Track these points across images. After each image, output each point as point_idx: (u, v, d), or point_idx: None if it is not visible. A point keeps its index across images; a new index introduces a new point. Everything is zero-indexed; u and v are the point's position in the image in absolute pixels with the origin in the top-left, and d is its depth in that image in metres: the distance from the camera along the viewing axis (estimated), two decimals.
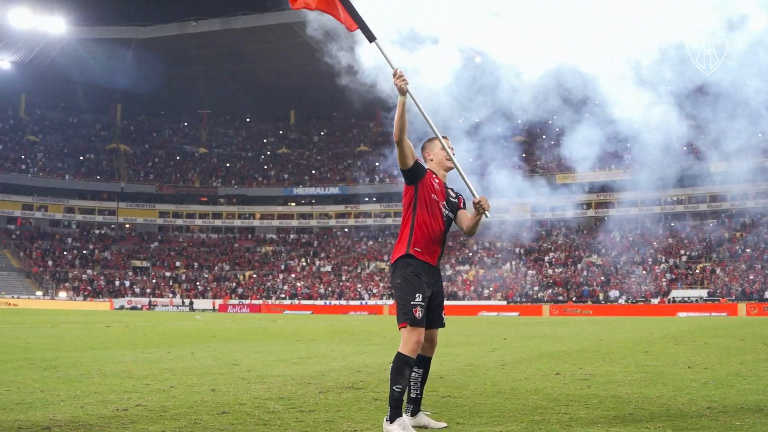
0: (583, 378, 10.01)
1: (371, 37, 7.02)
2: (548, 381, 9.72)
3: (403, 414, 6.30)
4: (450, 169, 6.74)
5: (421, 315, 6.21)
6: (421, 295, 6.25)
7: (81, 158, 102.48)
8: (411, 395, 6.51)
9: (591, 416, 6.85)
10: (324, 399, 7.97)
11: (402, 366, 6.10)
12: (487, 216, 6.59)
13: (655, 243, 76.80)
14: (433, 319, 6.45)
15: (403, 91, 6.33)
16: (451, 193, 6.74)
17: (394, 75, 6.39)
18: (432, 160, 6.76)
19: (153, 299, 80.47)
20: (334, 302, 76.56)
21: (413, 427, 6.28)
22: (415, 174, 6.46)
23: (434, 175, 6.63)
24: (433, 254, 6.45)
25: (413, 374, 6.45)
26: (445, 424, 6.42)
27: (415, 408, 6.47)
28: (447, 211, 6.60)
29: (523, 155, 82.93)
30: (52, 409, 7.22)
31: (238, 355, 14.25)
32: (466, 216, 6.79)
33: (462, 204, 6.82)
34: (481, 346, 17.29)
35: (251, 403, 7.64)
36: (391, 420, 5.99)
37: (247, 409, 7.29)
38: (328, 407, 7.41)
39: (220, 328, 28.38)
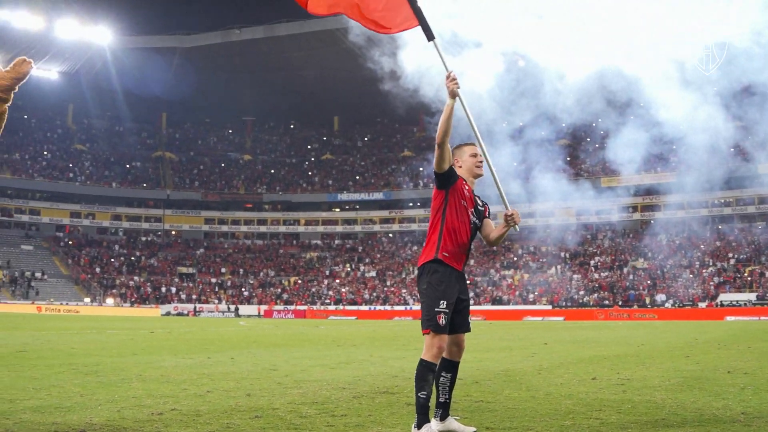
0: (620, 383, 9.92)
1: (430, 36, 6.89)
2: (584, 386, 9.65)
3: (432, 419, 6.30)
4: (479, 176, 6.71)
5: (444, 322, 6.18)
6: (445, 302, 6.22)
7: (127, 166, 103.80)
8: (440, 400, 6.47)
9: (622, 421, 6.79)
10: (357, 404, 7.97)
11: (425, 372, 6.10)
12: (516, 230, 6.52)
13: (702, 246, 75.89)
14: (459, 324, 6.41)
15: (454, 94, 6.30)
16: (479, 201, 6.72)
17: (448, 77, 6.35)
18: (461, 167, 6.71)
19: (199, 305, 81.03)
20: (379, 307, 76.55)
21: (443, 431, 6.27)
22: (448, 179, 6.42)
23: (464, 182, 6.54)
24: (459, 260, 6.44)
25: (442, 379, 6.43)
26: (474, 429, 6.37)
27: (444, 412, 6.42)
28: (474, 219, 6.58)
29: (568, 159, 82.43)
30: (89, 413, 7.28)
31: (277, 360, 14.28)
32: (491, 226, 6.79)
33: (487, 213, 6.75)
34: (520, 351, 17.17)
35: (284, 408, 7.65)
36: (419, 426, 5.97)
37: (279, 413, 7.31)
38: (360, 412, 7.41)
39: (262, 333, 28.52)
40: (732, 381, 9.95)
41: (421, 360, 6.14)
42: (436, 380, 6.33)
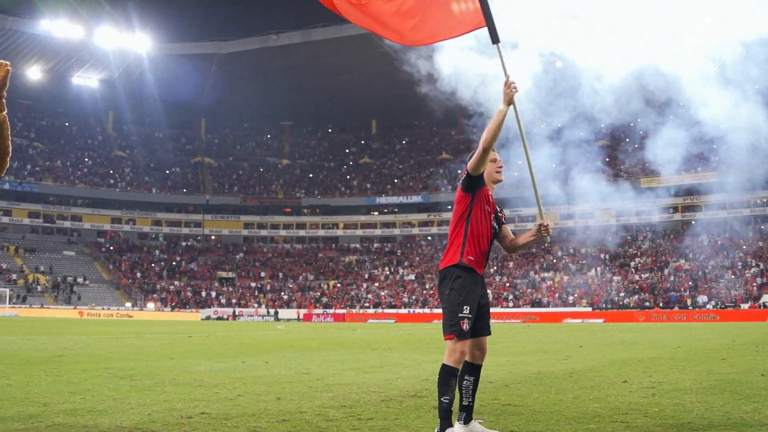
0: (651, 386, 9.85)
1: (495, 39, 6.87)
2: (614, 389, 9.59)
3: (456, 423, 6.33)
4: (498, 182, 6.69)
5: (467, 327, 6.22)
6: (468, 308, 6.24)
7: (167, 172, 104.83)
8: (463, 403, 6.47)
9: (648, 425, 6.75)
10: (385, 407, 7.99)
11: (448, 377, 6.13)
12: (547, 240, 6.56)
13: (744, 246, 75.06)
14: (480, 327, 6.44)
15: (510, 101, 6.30)
16: (497, 207, 6.67)
17: (506, 84, 6.33)
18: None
19: (238, 309, 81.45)
20: (418, 311, 76.52)
21: None
22: (477, 182, 6.44)
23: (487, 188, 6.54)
24: (481, 265, 6.47)
25: (465, 382, 6.44)
26: None
27: (468, 416, 6.42)
28: (495, 224, 6.55)
29: (607, 159, 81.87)
30: (120, 416, 7.38)
31: (310, 364, 14.32)
32: (509, 232, 6.84)
33: (504, 219, 6.72)
34: (555, 354, 17.07)
35: (312, 411, 7.70)
36: (441, 430, 6.02)
37: (307, 417, 7.35)
38: (387, 415, 7.44)
39: (299, 337, 28.63)
40: (765, 384, 9.84)
41: (444, 365, 6.18)
42: (459, 384, 6.35)
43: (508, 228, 6.82)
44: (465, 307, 6.22)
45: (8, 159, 5.91)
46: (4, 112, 5.81)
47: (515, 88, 6.29)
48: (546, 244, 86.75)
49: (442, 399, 6.06)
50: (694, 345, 20.52)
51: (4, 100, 5.74)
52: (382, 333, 34.54)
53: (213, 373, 12.21)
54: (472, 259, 6.36)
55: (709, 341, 22.57)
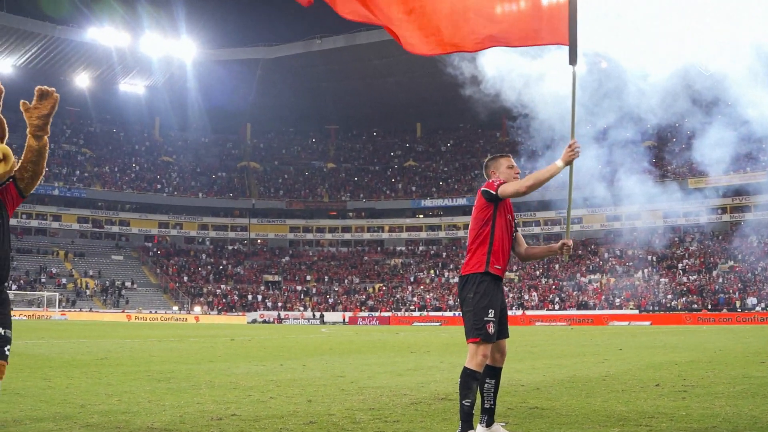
0: (682, 389, 9.81)
1: (574, 60, 6.83)
2: (645, 392, 9.57)
3: (478, 425, 6.39)
4: None
5: (493, 331, 6.26)
6: (493, 311, 6.28)
7: (213, 177, 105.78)
8: (485, 406, 6.49)
9: (672, 428, 6.74)
10: (413, 410, 8.05)
11: (469, 380, 6.16)
12: (566, 259, 6.61)
13: None
14: (500, 330, 6.46)
15: (569, 163, 6.25)
16: (513, 214, 6.71)
17: (571, 146, 6.24)
18: (498, 178, 6.66)
19: (284, 313, 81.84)
20: None
21: None
22: (495, 199, 6.46)
23: None
24: (504, 272, 6.48)
25: (486, 385, 6.45)
26: None
27: (490, 419, 6.45)
28: (513, 232, 6.59)
29: (654, 160, 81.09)
30: (152, 418, 7.53)
31: (347, 367, 14.43)
32: (523, 240, 6.89)
33: (516, 226, 6.82)
34: (592, 357, 17.01)
35: (340, 414, 7.78)
36: None
37: (334, 419, 7.43)
38: (414, 418, 7.49)
39: (340, 340, 28.74)
40: None
41: (465, 368, 6.19)
42: (480, 387, 6.37)
43: (521, 236, 6.82)
44: (490, 310, 6.26)
45: (41, 178, 6.12)
46: (47, 137, 5.96)
47: (579, 151, 6.23)
48: (592, 246, 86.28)
49: (463, 402, 6.10)
50: (735, 348, 20.30)
51: (48, 126, 5.88)
52: (424, 336, 34.60)
53: (249, 375, 12.35)
54: (498, 267, 6.40)
55: (751, 344, 22.32)
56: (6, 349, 5.86)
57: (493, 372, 6.47)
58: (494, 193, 6.36)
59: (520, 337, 32.17)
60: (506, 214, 6.49)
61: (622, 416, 7.45)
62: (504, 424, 6.77)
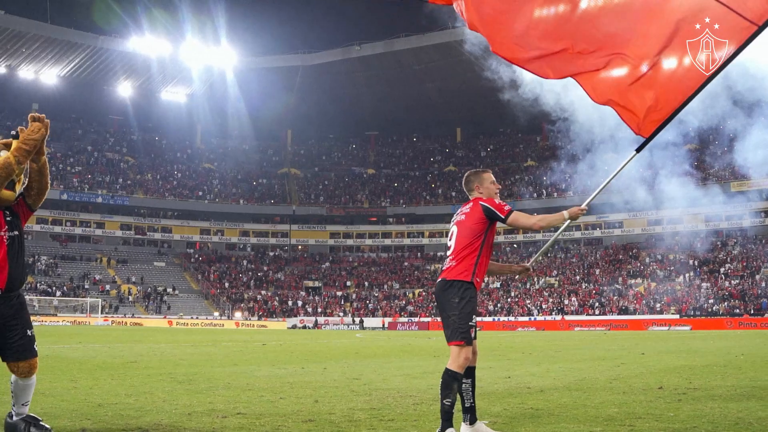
0: (683, 392, 9.97)
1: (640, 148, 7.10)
2: (645, 395, 9.74)
3: (462, 424, 6.71)
4: None
5: (474, 335, 6.63)
6: (475, 317, 6.63)
7: (254, 183, 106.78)
8: (465, 405, 6.77)
9: (653, 428, 6.96)
10: (412, 410, 8.33)
11: (451, 382, 6.45)
12: (517, 278, 7.04)
13: None
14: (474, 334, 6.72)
15: (575, 219, 6.73)
16: None
17: (582, 209, 6.74)
18: (482, 193, 7.03)
19: (324, 318, 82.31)
20: (503, 318, 76.30)
21: None
22: (500, 221, 6.77)
23: None
24: (480, 284, 6.87)
25: (464, 385, 6.73)
26: None
27: (472, 416, 6.74)
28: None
29: (695, 163, 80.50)
30: (162, 416, 7.89)
31: (366, 369, 14.74)
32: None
33: None
34: (611, 362, 17.11)
35: (340, 413, 8.10)
36: (442, 431, 6.33)
37: (333, 418, 7.74)
38: (409, 417, 7.79)
39: (370, 345, 29.00)
40: None
41: (448, 370, 6.49)
42: (458, 387, 6.62)
43: None
44: (473, 316, 6.60)
45: (47, 192, 6.70)
46: (44, 157, 6.57)
47: (584, 213, 6.78)
48: (634, 250, 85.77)
49: (444, 401, 6.38)
50: (761, 353, 20.29)
51: (44, 147, 6.49)
52: None
53: (268, 378, 12.69)
54: (478, 281, 6.75)
55: None
56: (35, 346, 6.48)
57: (470, 371, 6.76)
58: (503, 217, 6.64)
59: (546, 342, 32.28)
60: (494, 232, 6.85)
61: (610, 417, 7.67)
62: (487, 422, 7.02)
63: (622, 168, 7.07)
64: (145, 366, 15.50)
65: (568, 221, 6.74)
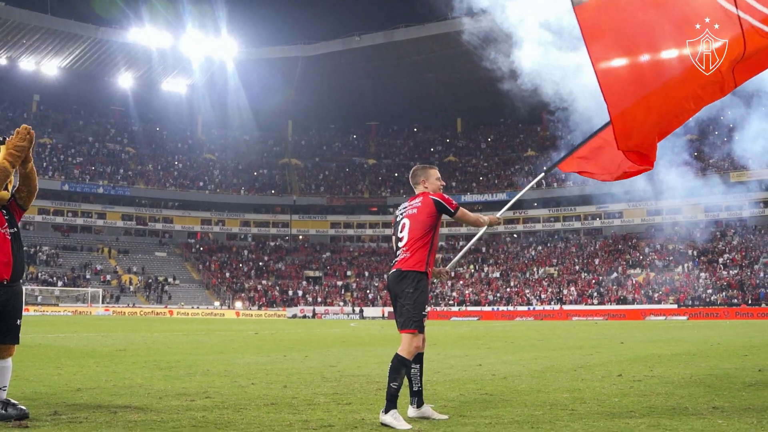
0: (638, 380, 10.28)
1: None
2: (599, 382, 10.05)
3: (409, 407, 7.09)
4: None
5: (425, 324, 7.00)
6: (427, 308, 7.03)
7: (255, 174, 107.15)
8: (413, 389, 7.13)
9: (591, 411, 7.34)
10: (373, 395, 8.71)
11: (400, 367, 6.82)
12: (433, 282, 7.56)
13: None
14: None
15: (492, 226, 7.65)
16: None
17: (499, 221, 7.69)
18: (427, 188, 7.41)
19: (324, 308, 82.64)
20: (502, 308, 76.62)
21: (417, 417, 6.98)
22: (447, 215, 7.24)
23: None
24: (431, 273, 7.24)
25: (413, 370, 7.08)
26: (446, 417, 7.04)
27: (419, 400, 7.09)
28: None
29: (695, 153, 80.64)
30: (133, 399, 8.30)
31: (345, 357, 15.15)
32: None
33: None
34: (587, 350, 17.46)
35: (303, 397, 8.49)
36: (386, 411, 6.66)
37: (295, 402, 8.13)
38: (366, 401, 8.19)
39: (361, 334, 29.39)
40: (753, 379, 10.23)
41: (399, 355, 6.85)
42: (407, 372, 6.99)
43: None
44: (426, 306, 7.02)
45: (35, 194, 7.38)
46: (31, 163, 7.23)
47: (498, 223, 7.64)
48: (633, 240, 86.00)
49: (391, 384, 6.73)
50: (738, 342, 20.64)
51: (31, 154, 7.19)
52: (447, 330, 35.09)
53: (247, 365, 13.08)
54: (430, 270, 7.14)
55: (759, 339, 22.58)
56: (19, 334, 7.05)
57: (418, 358, 7.11)
58: (452, 211, 7.13)
59: (535, 331, 32.61)
60: (439, 226, 7.25)
61: (557, 401, 8.03)
62: (433, 405, 7.38)
63: (533, 183, 7.81)
64: (132, 354, 15.89)
65: (486, 227, 7.57)
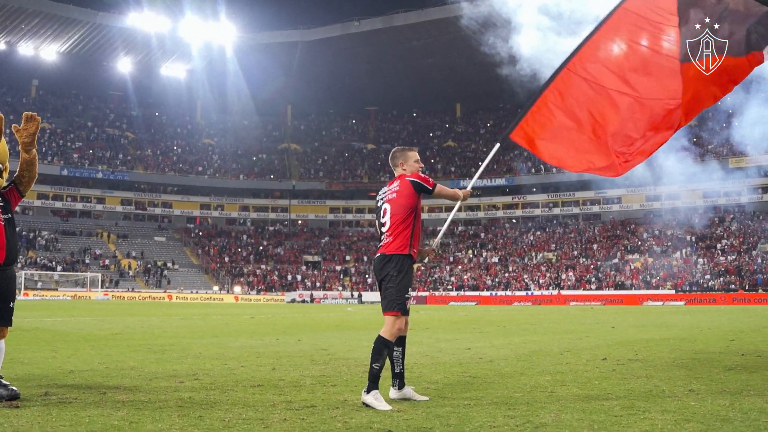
0: (622, 363, 10.44)
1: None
2: (585, 366, 10.21)
3: (390, 389, 7.25)
4: None
5: (409, 306, 7.13)
6: (411, 290, 7.15)
7: (254, 159, 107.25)
8: (395, 371, 7.28)
9: (566, 394, 7.49)
10: (359, 377, 8.86)
11: (382, 348, 6.98)
12: (423, 262, 7.69)
13: None
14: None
15: (465, 200, 7.67)
16: None
17: (468, 191, 7.70)
18: (405, 170, 7.50)
19: (323, 292, 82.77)
20: (500, 293, 76.78)
21: (399, 399, 7.15)
22: (426, 193, 7.34)
23: None
24: (417, 253, 7.36)
25: (395, 353, 7.24)
26: (427, 398, 7.23)
27: (401, 382, 7.26)
28: None
29: (694, 139, 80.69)
30: (124, 380, 8.51)
31: (337, 341, 15.33)
32: None
33: None
34: (576, 335, 17.63)
35: (291, 379, 8.69)
36: (368, 391, 6.83)
37: (281, 383, 8.31)
38: (351, 383, 8.37)
39: (356, 318, 29.58)
40: (727, 362, 10.46)
41: (381, 337, 7.00)
42: (390, 354, 7.16)
43: None
44: (410, 289, 7.14)
45: (35, 180, 7.57)
46: (35, 149, 7.43)
47: (470, 195, 7.73)
48: (632, 226, 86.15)
49: (373, 365, 6.89)
50: (728, 327, 20.79)
51: (35, 142, 7.40)
52: (442, 315, 35.27)
53: (239, 348, 13.28)
54: (415, 251, 7.26)
55: (749, 323, 22.75)
56: (12, 317, 7.20)
57: (401, 340, 7.25)
58: (430, 189, 7.23)
59: (530, 316, 32.76)
60: (420, 205, 7.36)
61: (537, 384, 8.19)
62: (414, 387, 7.53)
63: (491, 155, 7.96)
64: (127, 338, 16.08)
65: (461, 201, 7.61)
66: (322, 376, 8.96)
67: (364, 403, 6.75)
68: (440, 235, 8.33)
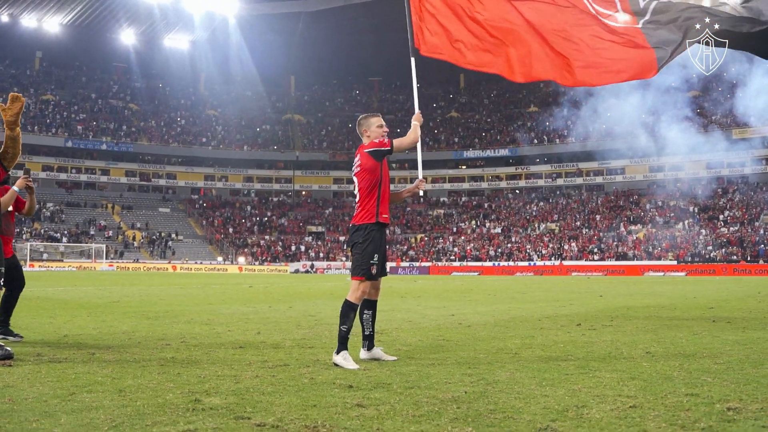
0: (594, 329, 10.80)
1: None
2: (557, 331, 10.56)
3: (361, 350, 7.69)
4: None
5: (375, 271, 7.50)
6: (377, 255, 7.51)
7: (258, 129, 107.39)
8: (365, 333, 7.72)
9: (531, 356, 7.89)
10: (336, 341, 9.15)
11: (349, 311, 7.39)
12: (420, 194, 8.03)
13: None
14: (380, 271, 7.63)
15: (421, 122, 7.99)
16: None
17: (418, 117, 8.01)
18: (369, 136, 7.79)
19: (327, 263, 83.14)
20: (503, 263, 77.12)
21: (368, 359, 7.59)
22: (389, 154, 7.65)
23: None
24: (389, 217, 7.75)
25: (365, 316, 7.69)
26: (395, 358, 7.68)
27: (370, 343, 7.70)
28: None
29: (698, 110, 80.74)
30: (115, 342, 9.01)
31: (327, 309, 15.73)
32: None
33: None
34: (560, 303, 18.01)
35: (271, 342, 9.14)
36: (338, 352, 7.26)
37: (262, 346, 8.74)
38: (328, 345, 8.79)
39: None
40: (695, 328, 10.84)
41: (347, 300, 7.41)
42: (360, 317, 7.60)
43: None
44: (375, 255, 7.49)
45: (18, 156, 7.98)
46: (18, 128, 7.81)
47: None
48: (635, 197, 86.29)
49: (341, 327, 7.31)
50: (714, 296, 21.15)
51: (19, 120, 7.79)
52: (440, 284, 35.72)
53: (230, 315, 13.72)
54: (385, 216, 7.63)
55: (735, 293, 23.08)
56: (1, 281, 7.61)
57: (371, 304, 7.69)
58: (389, 149, 7.54)
59: (526, 285, 33.15)
60: (387, 169, 7.71)
61: (505, 347, 8.58)
62: (383, 348, 7.98)
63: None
64: (124, 305, 16.55)
65: (419, 126, 7.94)
66: (302, 339, 9.39)
67: (334, 363, 7.16)
68: (419, 166, 8.65)
